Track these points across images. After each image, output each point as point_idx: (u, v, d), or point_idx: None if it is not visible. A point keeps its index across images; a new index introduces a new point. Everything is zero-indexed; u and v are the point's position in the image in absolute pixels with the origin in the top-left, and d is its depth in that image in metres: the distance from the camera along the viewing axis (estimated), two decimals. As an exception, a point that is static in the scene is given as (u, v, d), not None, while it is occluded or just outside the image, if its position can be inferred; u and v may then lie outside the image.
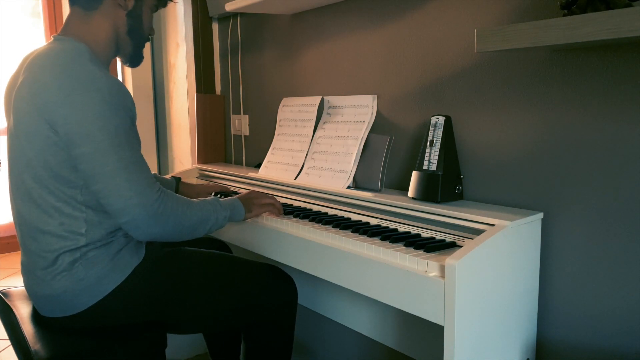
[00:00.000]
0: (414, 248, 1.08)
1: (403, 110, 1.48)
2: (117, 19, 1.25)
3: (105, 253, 1.17)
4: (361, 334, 1.66)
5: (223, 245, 1.70)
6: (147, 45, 2.59)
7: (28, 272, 1.20)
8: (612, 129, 1.05)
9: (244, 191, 1.71)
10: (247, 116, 2.15)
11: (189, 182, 2.05)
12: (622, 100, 1.04)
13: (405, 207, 1.27)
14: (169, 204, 1.16)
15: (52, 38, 1.21)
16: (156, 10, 1.36)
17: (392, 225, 1.27)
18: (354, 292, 1.23)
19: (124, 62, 1.36)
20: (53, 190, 1.12)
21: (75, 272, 1.14)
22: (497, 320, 1.06)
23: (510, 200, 1.23)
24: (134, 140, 1.15)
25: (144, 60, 1.39)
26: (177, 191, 1.69)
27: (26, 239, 1.18)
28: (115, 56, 1.31)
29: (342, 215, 1.41)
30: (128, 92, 1.16)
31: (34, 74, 1.11)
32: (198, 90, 2.27)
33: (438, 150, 1.27)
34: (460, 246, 1.09)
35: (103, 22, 1.23)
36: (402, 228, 1.24)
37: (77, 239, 1.14)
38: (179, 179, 1.71)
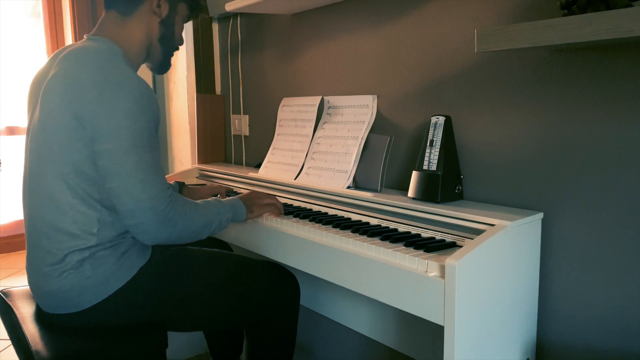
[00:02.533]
0: (414, 248, 1.08)
1: (403, 110, 1.48)
2: (151, 26, 1.29)
3: (113, 254, 1.18)
4: (361, 334, 1.66)
5: (224, 245, 1.70)
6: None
7: (34, 268, 1.20)
8: (612, 129, 1.05)
9: (245, 191, 1.71)
10: (247, 116, 2.15)
11: (189, 182, 2.05)
12: (622, 100, 1.04)
13: (405, 207, 1.27)
14: (178, 209, 1.17)
15: (86, 37, 1.24)
16: (187, 21, 1.41)
17: (392, 225, 1.27)
18: (354, 292, 1.23)
19: (151, 69, 1.40)
20: (72, 185, 1.13)
21: (82, 271, 1.15)
22: (497, 320, 1.06)
23: (510, 200, 1.24)
24: (155, 144, 1.16)
25: (167, 72, 1.43)
26: None
27: (37, 235, 1.18)
28: (144, 62, 1.35)
29: (342, 215, 1.41)
30: (155, 97, 1.19)
31: (68, 68, 1.13)
32: (198, 90, 2.27)
33: (438, 150, 1.27)
34: (460, 246, 1.09)
35: (137, 28, 1.27)
36: (402, 228, 1.24)
37: (88, 239, 1.15)
38: (183, 183, 1.71)
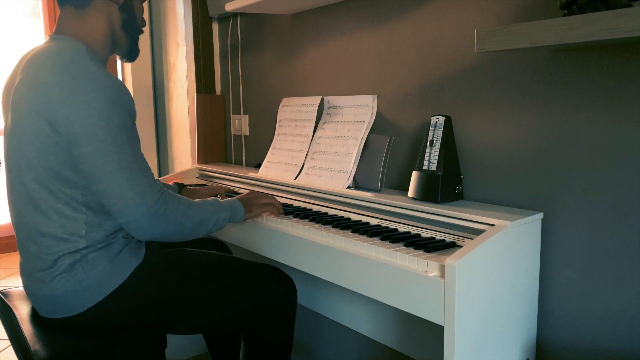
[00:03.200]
0: (414, 248, 1.08)
1: (403, 110, 1.48)
2: (111, 14, 1.24)
3: (105, 255, 1.17)
4: (361, 334, 1.66)
5: (222, 246, 1.70)
6: (147, 45, 2.60)
7: (27, 274, 1.20)
8: (612, 129, 1.05)
9: (245, 191, 1.71)
10: (247, 116, 2.15)
11: (189, 182, 2.05)
12: (622, 100, 1.04)
13: (405, 207, 1.27)
14: (170, 204, 1.16)
15: (48, 37, 1.20)
16: (145, 0, 1.36)
17: (392, 225, 1.27)
18: (353, 292, 1.23)
19: (121, 58, 1.36)
20: (54, 190, 1.12)
21: (75, 274, 1.14)
22: (497, 320, 1.05)
23: (510, 200, 1.23)
24: (135, 139, 1.15)
25: (144, 60, 1.40)
26: None
27: (25, 242, 1.17)
28: (112, 53, 1.31)
29: (342, 215, 1.41)
30: (128, 90, 1.16)
31: (33, 73, 1.11)
32: (198, 90, 2.27)
33: (438, 150, 1.27)
34: (460, 246, 1.09)
35: (97, 19, 1.22)
36: (402, 228, 1.24)
37: (78, 241, 1.14)
38: (182, 185, 1.71)
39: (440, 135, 1.28)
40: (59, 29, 1.22)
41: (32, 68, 1.12)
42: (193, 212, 1.21)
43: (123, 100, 1.12)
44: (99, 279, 1.15)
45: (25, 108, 1.10)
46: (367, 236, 1.18)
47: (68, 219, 1.13)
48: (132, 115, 1.15)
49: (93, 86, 1.08)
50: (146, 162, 1.16)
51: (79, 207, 1.13)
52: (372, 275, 1.06)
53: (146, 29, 2.55)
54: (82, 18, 1.21)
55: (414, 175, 1.31)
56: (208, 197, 1.67)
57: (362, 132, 1.50)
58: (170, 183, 1.69)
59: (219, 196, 1.70)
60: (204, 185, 1.91)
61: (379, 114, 1.53)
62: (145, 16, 2.08)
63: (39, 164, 1.10)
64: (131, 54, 1.35)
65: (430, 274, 0.96)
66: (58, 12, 1.23)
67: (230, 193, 1.78)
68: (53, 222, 1.13)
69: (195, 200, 1.26)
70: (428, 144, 1.30)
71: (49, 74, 1.09)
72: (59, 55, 1.12)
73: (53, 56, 1.12)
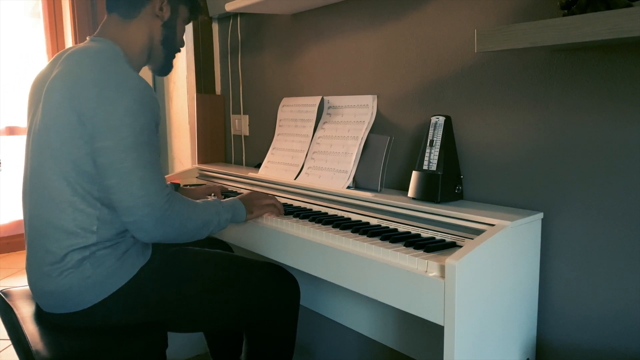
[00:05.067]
0: (414, 248, 1.08)
1: (403, 110, 1.48)
2: (153, 29, 1.31)
3: (113, 253, 1.18)
4: (361, 334, 1.66)
5: (225, 246, 1.70)
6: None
7: (34, 268, 1.20)
8: (612, 129, 1.05)
9: (244, 191, 1.71)
10: (247, 116, 2.15)
11: (189, 182, 2.05)
12: (622, 100, 1.04)
13: (405, 207, 1.27)
14: (176, 207, 1.17)
15: (88, 39, 1.25)
16: (188, 23, 1.42)
17: (392, 225, 1.27)
18: (354, 292, 1.23)
19: (153, 70, 1.42)
20: (72, 182, 1.13)
21: (82, 270, 1.15)
22: (497, 320, 1.06)
23: (510, 200, 1.24)
24: (155, 144, 1.17)
25: (169, 74, 1.44)
26: None
27: (36, 234, 1.18)
28: (146, 64, 1.36)
29: (342, 215, 1.41)
30: (156, 97, 1.19)
31: (70, 67, 1.14)
32: (198, 90, 2.27)
33: (438, 150, 1.27)
34: (460, 246, 1.09)
35: (139, 31, 1.28)
36: (402, 228, 1.24)
37: (88, 237, 1.15)
38: (178, 185, 1.71)
39: (440, 135, 1.28)
40: (101, 32, 1.27)
41: (70, 63, 1.15)
42: (196, 214, 1.22)
43: (151, 104, 1.15)
44: (106, 276, 1.16)
45: (58, 99, 1.13)
46: (367, 236, 1.18)
47: (81, 212, 1.14)
48: (157, 121, 1.18)
49: (125, 85, 1.11)
50: (160, 168, 1.18)
51: (93, 202, 1.14)
52: (372, 275, 1.06)
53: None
54: (125, 27, 1.27)
55: (414, 175, 1.31)
56: (204, 196, 1.67)
57: (362, 132, 1.50)
58: (167, 183, 1.69)
59: (215, 195, 1.70)
60: (203, 185, 1.91)
61: (379, 114, 1.54)
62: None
63: (61, 155, 1.13)
64: (164, 69, 1.42)
65: (430, 274, 0.97)
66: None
67: (226, 192, 1.78)
68: (66, 215, 1.14)
69: (198, 201, 1.26)
70: (428, 144, 1.30)
71: (84, 70, 1.13)
72: (97, 54, 1.16)
73: (91, 54, 1.16)
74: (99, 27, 1.29)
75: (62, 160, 1.13)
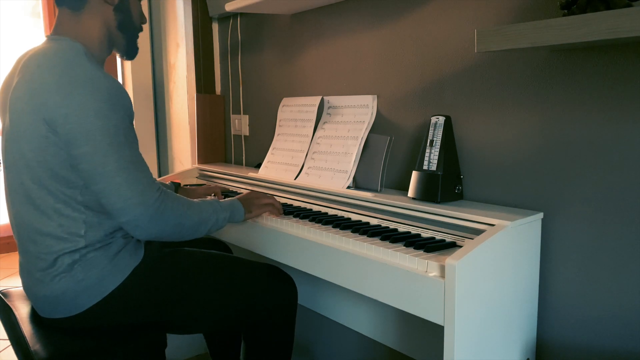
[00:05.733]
0: (414, 248, 1.08)
1: (403, 110, 1.48)
2: (106, 16, 1.24)
3: (104, 254, 1.17)
4: (361, 334, 1.66)
5: (224, 246, 1.70)
6: (147, 45, 2.59)
7: (26, 274, 1.20)
8: (612, 129, 1.05)
9: (244, 191, 1.71)
10: (247, 116, 2.15)
11: (189, 182, 2.05)
12: (622, 100, 1.04)
13: (405, 207, 1.27)
14: (169, 204, 1.16)
15: (46, 38, 1.21)
16: None
17: (392, 225, 1.27)
18: (354, 292, 1.23)
19: (120, 56, 1.36)
20: (53, 190, 1.12)
21: (74, 274, 1.14)
22: (497, 320, 1.05)
23: (510, 200, 1.23)
24: (133, 139, 1.15)
25: (144, 60, 1.40)
26: None
27: (25, 241, 1.17)
28: (110, 53, 1.31)
29: (342, 215, 1.41)
30: (125, 91, 1.16)
31: (31, 74, 1.11)
32: (198, 90, 2.27)
33: (438, 150, 1.27)
34: (460, 246, 1.09)
35: (92, 21, 1.22)
36: (402, 228, 1.24)
37: (77, 241, 1.14)
38: (178, 184, 1.71)
39: (440, 135, 1.28)
40: (57, 29, 1.22)
41: (30, 69, 1.11)
42: (192, 212, 1.21)
43: (121, 100, 1.12)
44: (99, 278, 1.16)
45: (23, 108, 1.10)
46: (367, 236, 1.18)
47: (67, 218, 1.13)
48: (130, 116, 1.15)
49: (91, 87, 1.08)
50: (144, 162, 1.16)
51: (77, 207, 1.13)
52: (372, 275, 1.06)
53: (146, 29, 2.55)
54: (78, 19, 1.21)
55: (414, 175, 1.31)
56: (204, 196, 1.67)
57: (362, 132, 1.50)
58: (167, 183, 1.70)
59: (215, 195, 1.70)
60: (203, 184, 1.91)
61: (379, 114, 1.53)
62: (145, 14, 2.08)
63: (37, 164, 1.11)
64: (130, 53, 1.35)
65: (430, 274, 0.96)
66: (57, 12, 1.23)
67: (226, 192, 1.77)
68: (52, 222, 1.13)
69: (195, 200, 1.26)
70: (428, 144, 1.30)
71: (46, 75, 1.09)
72: (57, 56, 1.12)
73: (51, 57, 1.12)
74: (54, 24, 1.23)
75: (37, 170, 1.11)
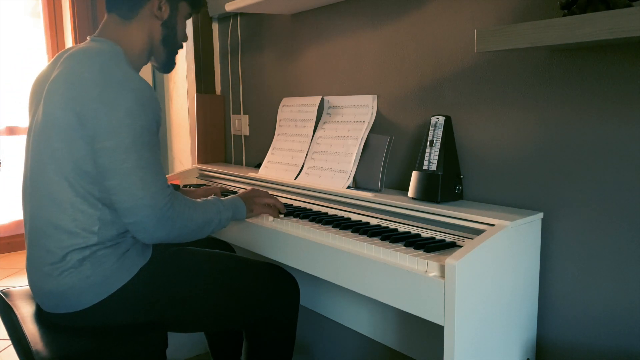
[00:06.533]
0: (414, 248, 1.08)
1: (403, 110, 1.48)
2: (153, 29, 1.29)
3: (113, 253, 1.18)
4: (361, 334, 1.66)
5: (226, 246, 1.70)
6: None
7: (34, 267, 1.20)
8: (612, 129, 1.05)
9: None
10: (247, 116, 2.15)
11: (189, 182, 2.05)
12: (622, 100, 1.04)
13: (405, 207, 1.27)
14: (178, 208, 1.17)
15: (89, 39, 1.25)
16: (189, 17, 1.40)
17: (392, 225, 1.27)
18: (354, 292, 1.23)
19: (156, 69, 1.41)
20: (73, 183, 1.13)
21: (82, 270, 1.15)
22: (497, 320, 1.06)
23: (510, 200, 1.24)
24: (155, 144, 1.16)
25: (172, 71, 1.43)
26: None
27: (36, 234, 1.18)
28: (147, 63, 1.35)
29: (342, 215, 1.41)
30: (157, 98, 1.19)
31: (70, 68, 1.14)
32: (198, 90, 2.27)
33: (438, 150, 1.27)
34: (460, 246, 1.09)
35: (138, 31, 1.27)
36: (402, 228, 1.24)
37: (89, 237, 1.15)
38: (177, 186, 1.71)
39: (440, 135, 1.28)
40: (101, 32, 1.27)
41: (70, 63, 1.15)
42: (197, 214, 1.22)
43: (151, 104, 1.14)
44: (106, 276, 1.16)
45: (58, 100, 1.13)
46: (367, 236, 1.18)
47: (83, 213, 1.14)
48: (158, 122, 1.17)
49: (125, 86, 1.11)
50: (162, 167, 1.18)
51: (95, 203, 1.14)
52: (372, 275, 1.06)
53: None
54: (125, 27, 1.26)
55: (414, 175, 1.31)
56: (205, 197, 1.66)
57: (362, 132, 1.50)
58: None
59: (215, 195, 1.69)
60: (203, 185, 1.91)
61: (379, 114, 1.54)
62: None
63: (62, 156, 1.12)
64: (166, 67, 1.40)
65: (430, 274, 0.97)
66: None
67: (225, 192, 1.77)
68: (67, 215, 1.14)
69: (198, 200, 1.26)
70: (428, 144, 1.30)
71: (85, 71, 1.12)
72: (97, 55, 1.16)
73: (91, 55, 1.16)
74: (100, 27, 1.28)
75: (62, 161, 1.13)
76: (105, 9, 1.28)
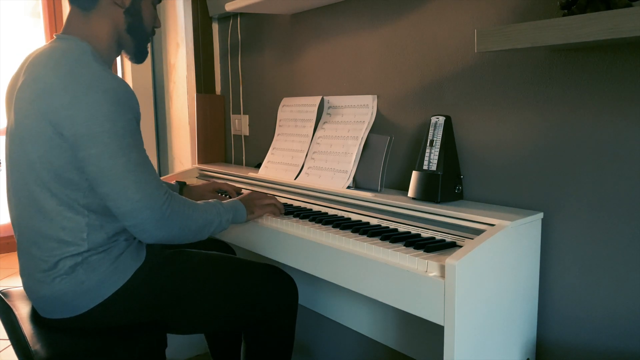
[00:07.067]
0: (414, 248, 1.08)
1: (403, 110, 1.48)
2: (116, 18, 1.22)
3: (106, 257, 1.16)
4: (361, 334, 1.66)
5: (226, 247, 1.70)
6: (147, 45, 2.58)
7: (27, 275, 1.19)
8: (612, 129, 1.05)
9: (245, 191, 1.71)
10: (247, 116, 2.15)
11: (189, 182, 2.05)
12: (622, 100, 1.04)
13: (405, 207, 1.27)
14: (176, 207, 1.15)
15: (54, 37, 1.19)
16: (159, 2, 1.34)
17: (392, 225, 1.27)
18: (354, 292, 1.23)
19: (129, 59, 1.34)
20: (56, 192, 1.11)
21: (75, 276, 1.14)
22: (497, 320, 1.06)
23: (510, 200, 1.23)
24: (139, 141, 1.14)
25: (145, 60, 1.38)
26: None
27: (26, 243, 1.17)
28: (118, 54, 1.30)
29: (342, 215, 1.41)
30: (133, 92, 1.14)
31: (37, 74, 1.09)
32: (198, 90, 2.27)
33: (438, 150, 1.27)
34: (460, 246, 1.09)
35: (101, 22, 1.21)
36: (402, 228, 1.24)
37: (79, 244, 1.13)
38: (184, 183, 1.70)
39: (440, 135, 1.28)
40: (66, 28, 1.21)
41: (36, 69, 1.10)
42: (197, 214, 1.21)
43: (129, 102, 1.11)
44: (100, 281, 1.15)
45: (28, 109, 1.09)
46: (367, 236, 1.18)
47: (70, 221, 1.12)
48: (137, 117, 1.14)
49: (98, 88, 1.06)
50: (151, 164, 1.15)
51: (80, 210, 1.13)
52: (372, 275, 1.06)
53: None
54: (87, 20, 1.20)
55: (414, 175, 1.31)
56: (210, 192, 1.66)
57: (362, 132, 1.50)
58: (172, 182, 1.69)
59: (228, 195, 1.68)
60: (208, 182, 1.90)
61: (379, 114, 1.53)
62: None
63: (41, 166, 1.10)
64: (138, 56, 1.33)
65: (430, 274, 0.96)
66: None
67: (226, 192, 1.77)
68: (54, 224, 1.12)
69: (198, 202, 1.25)
70: (428, 144, 1.30)
71: (52, 75, 1.07)
72: (63, 56, 1.10)
73: (57, 57, 1.10)
74: (65, 23, 1.22)
75: (41, 172, 1.10)
76: (68, 1, 1.20)
